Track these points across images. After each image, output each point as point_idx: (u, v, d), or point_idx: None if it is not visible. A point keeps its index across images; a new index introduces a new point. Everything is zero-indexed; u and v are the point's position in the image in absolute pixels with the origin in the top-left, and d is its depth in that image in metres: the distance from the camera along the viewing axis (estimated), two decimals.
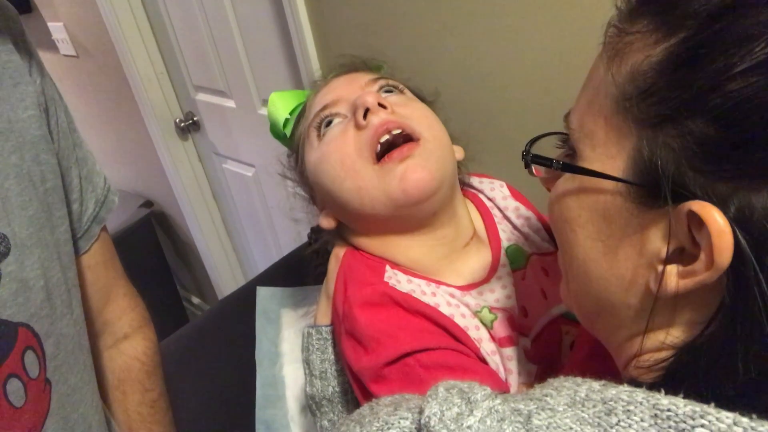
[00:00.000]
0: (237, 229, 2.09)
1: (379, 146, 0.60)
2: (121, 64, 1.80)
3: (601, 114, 0.38)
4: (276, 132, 0.74)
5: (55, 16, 1.98)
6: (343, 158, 0.61)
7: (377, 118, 0.61)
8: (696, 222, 0.32)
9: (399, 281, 0.60)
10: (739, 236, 0.31)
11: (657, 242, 0.35)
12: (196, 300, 2.57)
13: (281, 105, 0.72)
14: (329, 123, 0.65)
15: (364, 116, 0.61)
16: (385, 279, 0.60)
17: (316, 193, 0.68)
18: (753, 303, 0.31)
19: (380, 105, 0.62)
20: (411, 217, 0.61)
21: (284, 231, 1.79)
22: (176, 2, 1.61)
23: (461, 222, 0.67)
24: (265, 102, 1.54)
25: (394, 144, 0.60)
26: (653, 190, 0.34)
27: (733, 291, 0.32)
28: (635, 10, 0.37)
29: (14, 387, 0.46)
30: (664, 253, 0.35)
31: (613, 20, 0.39)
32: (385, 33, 1.01)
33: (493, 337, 0.60)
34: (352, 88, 0.66)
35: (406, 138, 0.60)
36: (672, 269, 0.34)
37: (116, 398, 0.71)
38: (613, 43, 0.38)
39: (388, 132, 0.60)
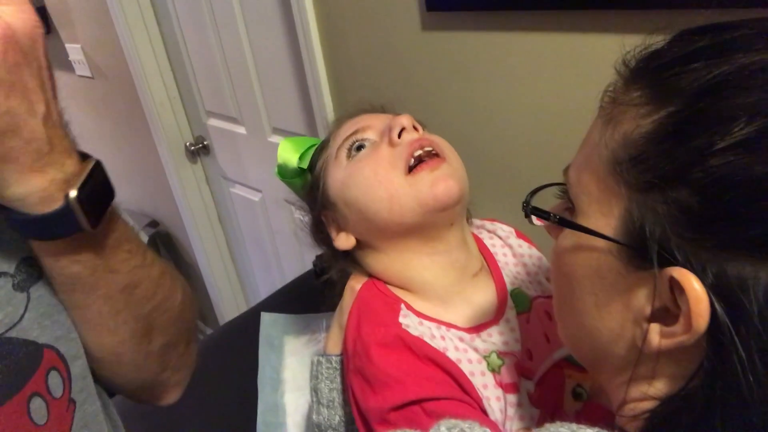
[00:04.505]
0: (241, 253, 2.10)
1: (412, 159, 0.65)
2: (135, 86, 1.84)
3: (596, 173, 0.40)
4: (284, 173, 0.78)
5: (74, 38, 2.02)
6: (376, 169, 0.65)
7: (410, 136, 0.66)
8: (678, 286, 0.34)
9: (411, 323, 0.62)
10: (716, 304, 0.32)
11: (643, 301, 0.37)
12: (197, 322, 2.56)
13: (293, 147, 0.77)
14: (360, 146, 0.69)
15: (399, 135, 0.66)
16: (399, 320, 0.62)
17: (337, 212, 0.71)
18: (730, 366, 0.32)
19: (413, 128, 0.68)
20: (433, 225, 0.65)
21: (288, 256, 1.81)
22: (192, 28, 1.65)
23: (471, 250, 0.71)
24: (275, 130, 1.57)
25: (423, 161, 0.65)
26: (641, 251, 0.36)
27: (712, 354, 0.34)
28: (631, 79, 0.40)
29: (37, 405, 0.47)
30: (648, 311, 0.37)
31: (609, 87, 0.42)
32: (392, 68, 1.05)
33: (499, 383, 0.61)
34: (381, 119, 0.72)
35: (433, 156, 0.65)
36: (655, 328, 0.36)
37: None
38: (608, 108, 0.41)
39: (421, 147, 0.65)
